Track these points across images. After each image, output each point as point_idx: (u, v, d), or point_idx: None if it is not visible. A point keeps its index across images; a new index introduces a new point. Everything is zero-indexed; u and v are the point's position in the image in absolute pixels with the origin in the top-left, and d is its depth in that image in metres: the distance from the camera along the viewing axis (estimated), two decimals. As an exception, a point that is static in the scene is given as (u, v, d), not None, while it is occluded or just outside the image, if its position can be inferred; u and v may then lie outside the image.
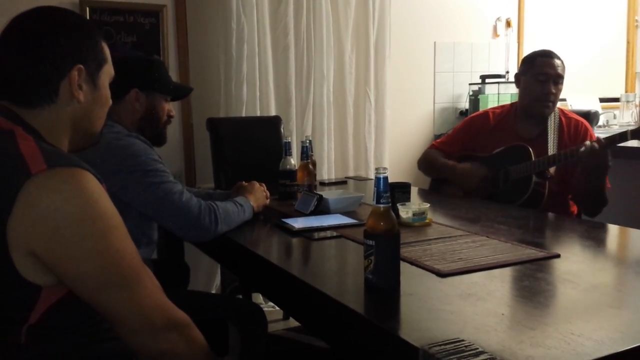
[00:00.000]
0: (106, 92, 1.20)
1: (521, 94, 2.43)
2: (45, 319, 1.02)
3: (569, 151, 2.11)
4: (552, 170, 2.24)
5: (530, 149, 2.24)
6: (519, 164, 2.26)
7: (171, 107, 1.94)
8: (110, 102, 1.23)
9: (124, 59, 1.86)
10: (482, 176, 2.37)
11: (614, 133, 2.04)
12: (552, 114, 2.35)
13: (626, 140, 1.99)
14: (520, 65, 2.49)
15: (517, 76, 2.46)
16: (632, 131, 1.97)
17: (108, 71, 1.20)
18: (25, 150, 1.00)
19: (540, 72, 2.32)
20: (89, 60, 1.13)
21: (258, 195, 1.97)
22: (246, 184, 2.03)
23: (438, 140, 2.71)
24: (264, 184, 2.05)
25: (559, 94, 2.35)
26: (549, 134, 2.32)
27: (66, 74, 1.10)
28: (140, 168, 1.68)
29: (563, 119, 2.37)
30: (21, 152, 0.99)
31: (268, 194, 2.04)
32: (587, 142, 2.05)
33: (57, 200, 0.97)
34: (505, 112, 2.50)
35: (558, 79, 2.32)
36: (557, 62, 2.34)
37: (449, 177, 2.50)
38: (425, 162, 2.63)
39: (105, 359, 1.12)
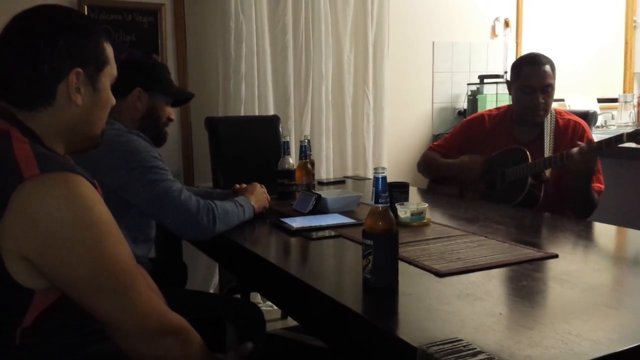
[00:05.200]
0: (107, 94, 1.18)
1: (513, 102, 2.43)
2: (38, 323, 1.01)
3: (565, 153, 2.11)
4: (547, 173, 2.24)
5: (527, 152, 2.24)
6: (515, 166, 2.26)
7: (171, 111, 1.95)
8: (113, 102, 1.21)
9: (129, 59, 1.87)
10: (481, 165, 2.37)
11: (610, 135, 2.04)
12: (549, 117, 2.35)
13: (622, 142, 1.98)
14: (510, 71, 2.46)
15: (508, 84, 2.44)
16: (628, 134, 1.96)
17: (110, 73, 1.17)
18: (19, 154, 0.99)
19: (526, 85, 2.30)
20: (88, 62, 1.11)
21: (259, 196, 1.96)
22: (239, 186, 2.03)
23: (436, 143, 2.72)
24: (264, 186, 2.04)
25: (550, 99, 2.33)
26: (545, 138, 2.32)
27: (64, 77, 1.08)
28: (141, 165, 1.68)
29: (560, 121, 2.36)
30: (15, 155, 0.99)
31: (269, 196, 2.04)
32: (579, 143, 2.05)
33: (49, 206, 0.96)
34: (501, 115, 2.49)
35: (546, 88, 2.29)
36: (544, 69, 2.29)
37: (449, 174, 2.50)
38: (425, 164, 2.65)
39: (100, 358, 1.12)
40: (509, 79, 2.46)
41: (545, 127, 2.34)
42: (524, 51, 4.38)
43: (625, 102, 4.56)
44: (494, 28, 4.30)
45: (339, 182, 2.82)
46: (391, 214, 1.18)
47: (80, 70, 1.10)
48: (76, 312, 1.04)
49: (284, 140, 2.22)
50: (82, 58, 1.10)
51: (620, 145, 2.00)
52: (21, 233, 0.95)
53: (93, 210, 1.01)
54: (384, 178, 1.16)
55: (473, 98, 4.03)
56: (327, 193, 2.12)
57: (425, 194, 2.55)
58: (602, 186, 2.29)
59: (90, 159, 1.04)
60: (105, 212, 1.04)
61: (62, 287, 1.01)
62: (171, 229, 1.75)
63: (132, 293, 1.05)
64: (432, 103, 4.13)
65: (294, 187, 2.15)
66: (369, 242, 1.17)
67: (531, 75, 2.29)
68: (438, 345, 0.91)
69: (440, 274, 1.29)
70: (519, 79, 2.34)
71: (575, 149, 2.05)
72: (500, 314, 1.10)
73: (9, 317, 1.01)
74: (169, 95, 1.92)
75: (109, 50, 1.17)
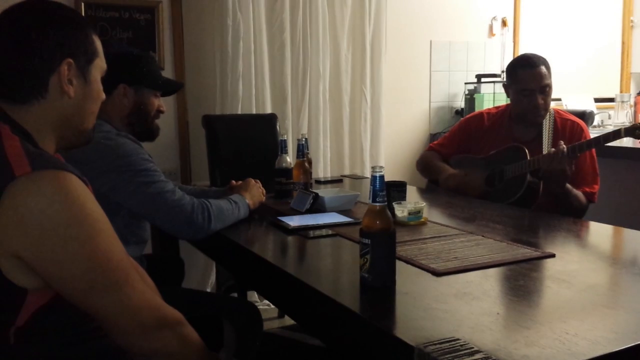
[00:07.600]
0: (98, 86, 1.18)
1: (512, 104, 2.42)
2: (32, 322, 1.01)
3: (536, 158, 2.12)
4: None
5: (526, 149, 2.25)
6: (514, 163, 2.27)
7: (161, 103, 1.91)
8: (103, 96, 1.21)
9: (111, 55, 1.84)
10: (471, 184, 2.38)
11: (606, 132, 2.05)
12: (547, 116, 2.35)
13: (620, 137, 1.99)
14: (506, 74, 2.45)
15: (505, 87, 2.44)
16: (626, 129, 1.97)
17: (100, 65, 1.18)
18: (10, 152, 0.98)
19: (523, 88, 2.29)
20: (79, 54, 1.11)
21: (254, 192, 1.96)
22: (235, 183, 2.02)
23: (435, 142, 2.73)
24: (259, 181, 2.04)
25: (549, 99, 2.32)
26: (544, 138, 2.33)
27: (56, 68, 1.08)
28: (131, 168, 1.66)
29: (558, 120, 2.36)
30: (5, 153, 0.98)
31: (264, 190, 2.04)
32: (553, 149, 2.06)
33: (41, 204, 0.95)
34: (500, 114, 2.50)
35: (544, 89, 2.28)
36: (539, 70, 2.27)
37: (440, 180, 2.50)
38: (422, 164, 2.66)
39: (96, 356, 1.12)
40: (505, 81, 2.46)
41: (544, 127, 2.34)
42: (522, 50, 4.39)
43: (622, 101, 4.57)
44: (491, 27, 4.30)
45: (337, 181, 2.81)
46: (389, 213, 1.18)
47: (71, 61, 1.10)
48: (70, 311, 1.04)
49: (281, 138, 2.22)
50: (72, 49, 1.10)
51: (619, 145, 2.01)
52: (13, 231, 0.95)
53: (85, 207, 1.01)
54: (382, 177, 1.16)
55: (470, 97, 4.03)
56: (325, 192, 2.12)
57: (422, 193, 2.54)
58: (597, 187, 2.29)
59: (79, 163, 1.03)
60: (97, 209, 1.04)
61: (55, 285, 1.00)
62: (166, 230, 1.74)
63: (127, 288, 1.04)
64: (430, 102, 4.13)
65: (292, 186, 2.15)
66: (366, 241, 1.17)
67: (527, 78, 2.28)
68: (435, 344, 0.91)
69: (437, 273, 1.29)
70: (516, 83, 2.33)
71: (546, 152, 2.06)
72: (498, 313, 1.10)
73: (2, 317, 1.00)
74: (156, 88, 1.87)
75: (98, 43, 1.17)
